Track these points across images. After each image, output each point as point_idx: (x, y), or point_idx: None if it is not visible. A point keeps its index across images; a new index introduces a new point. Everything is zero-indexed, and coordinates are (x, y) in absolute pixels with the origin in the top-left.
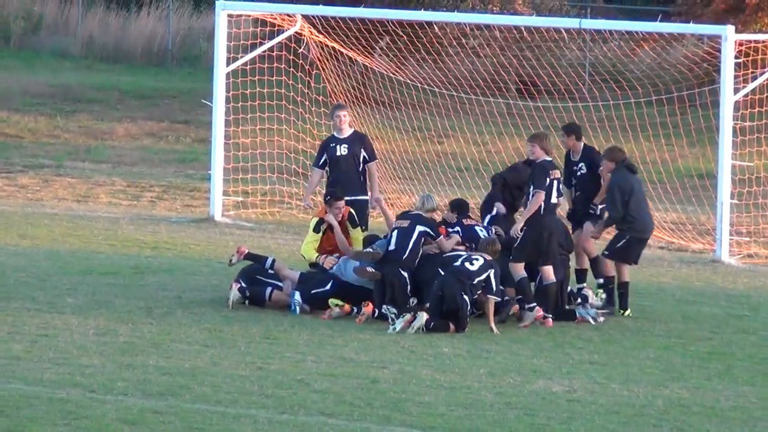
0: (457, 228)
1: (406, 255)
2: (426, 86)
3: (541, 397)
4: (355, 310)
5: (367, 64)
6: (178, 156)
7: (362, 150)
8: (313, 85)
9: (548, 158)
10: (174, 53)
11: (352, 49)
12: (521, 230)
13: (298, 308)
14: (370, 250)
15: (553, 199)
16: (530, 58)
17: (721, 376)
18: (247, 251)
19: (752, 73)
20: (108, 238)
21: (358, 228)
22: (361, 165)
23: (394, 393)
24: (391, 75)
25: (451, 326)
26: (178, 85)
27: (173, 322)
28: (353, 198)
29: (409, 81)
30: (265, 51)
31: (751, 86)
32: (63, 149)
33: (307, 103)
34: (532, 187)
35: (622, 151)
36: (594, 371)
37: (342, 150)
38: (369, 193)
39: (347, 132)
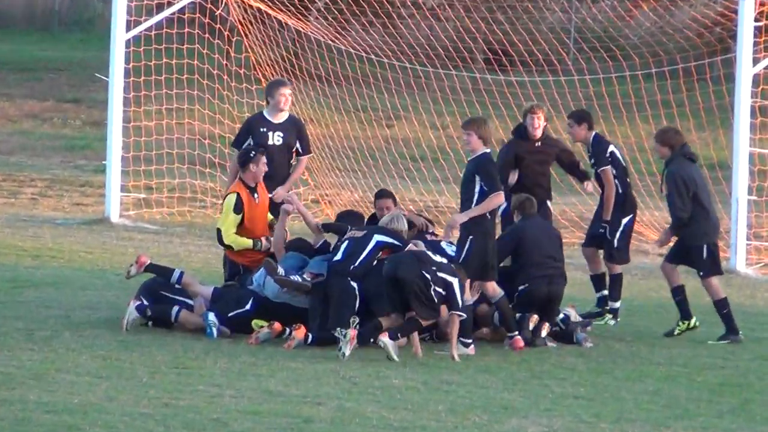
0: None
1: (355, 265)
2: (372, 56)
3: None
4: (288, 331)
5: (300, 29)
6: (65, 143)
7: (297, 141)
8: (233, 55)
9: (488, 149)
10: (62, 16)
11: (281, 10)
12: (469, 241)
13: (215, 330)
14: (298, 279)
15: None
16: (502, 22)
17: (735, 412)
18: (149, 262)
19: None
20: None
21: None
22: (293, 157)
23: None
24: (330, 42)
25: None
26: (67, 55)
27: (59, 347)
28: None
29: (351, 50)
30: (174, 13)
31: None
32: None
33: (225, 77)
34: (481, 186)
35: (680, 134)
36: (579, 408)
37: (275, 138)
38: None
39: (283, 116)
